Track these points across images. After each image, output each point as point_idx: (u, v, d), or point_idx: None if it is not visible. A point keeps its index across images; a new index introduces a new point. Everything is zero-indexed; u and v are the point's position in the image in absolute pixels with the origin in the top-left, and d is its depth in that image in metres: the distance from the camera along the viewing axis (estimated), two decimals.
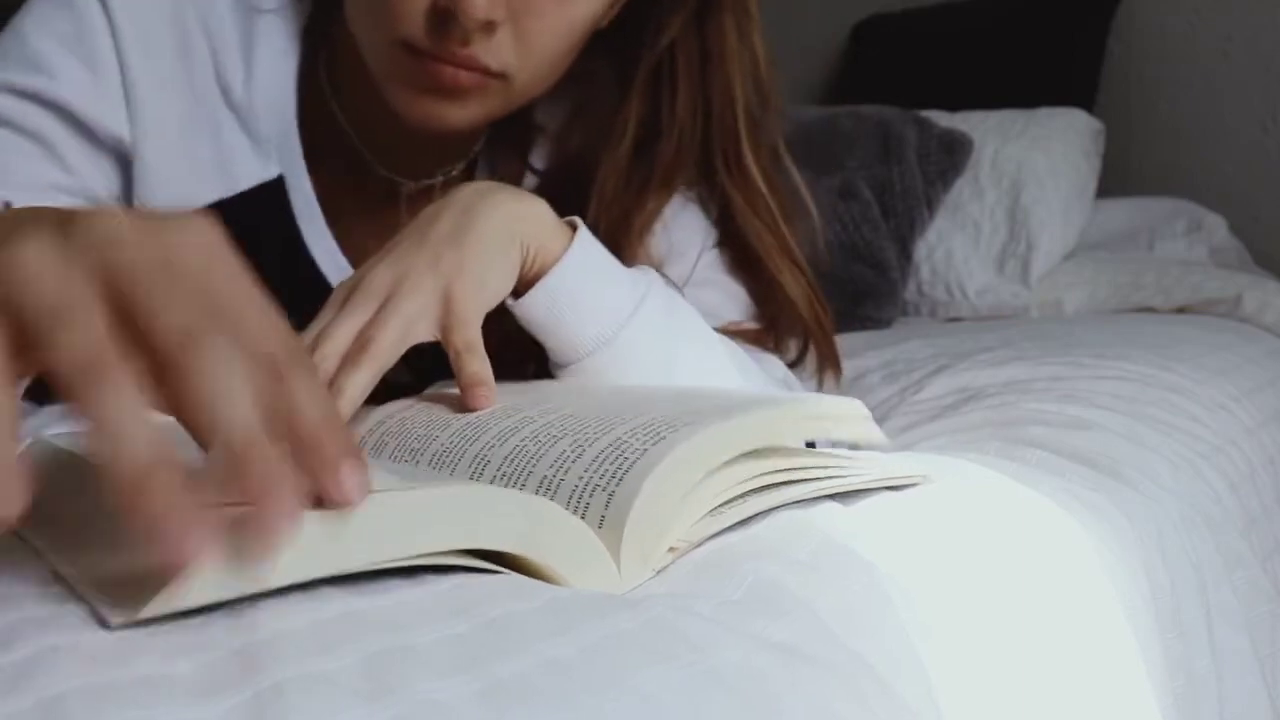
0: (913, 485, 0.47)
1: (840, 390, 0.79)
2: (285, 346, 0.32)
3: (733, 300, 0.76)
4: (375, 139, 0.75)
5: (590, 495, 0.39)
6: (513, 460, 0.42)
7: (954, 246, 1.58)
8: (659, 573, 0.38)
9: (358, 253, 0.75)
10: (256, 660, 0.27)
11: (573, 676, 0.28)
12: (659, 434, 0.40)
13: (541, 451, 0.42)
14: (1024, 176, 1.58)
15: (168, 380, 0.29)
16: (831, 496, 0.44)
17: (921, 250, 1.58)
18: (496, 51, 0.63)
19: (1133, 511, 0.61)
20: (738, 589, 0.36)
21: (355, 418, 0.53)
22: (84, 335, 0.29)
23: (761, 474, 0.43)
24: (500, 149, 0.79)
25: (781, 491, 0.43)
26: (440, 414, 0.51)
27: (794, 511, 0.42)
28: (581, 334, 0.58)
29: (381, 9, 0.62)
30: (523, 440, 0.44)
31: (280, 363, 0.31)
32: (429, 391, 0.57)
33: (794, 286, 0.74)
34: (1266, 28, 1.75)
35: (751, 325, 0.76)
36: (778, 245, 0.74)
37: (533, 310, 0.58)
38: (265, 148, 0.72)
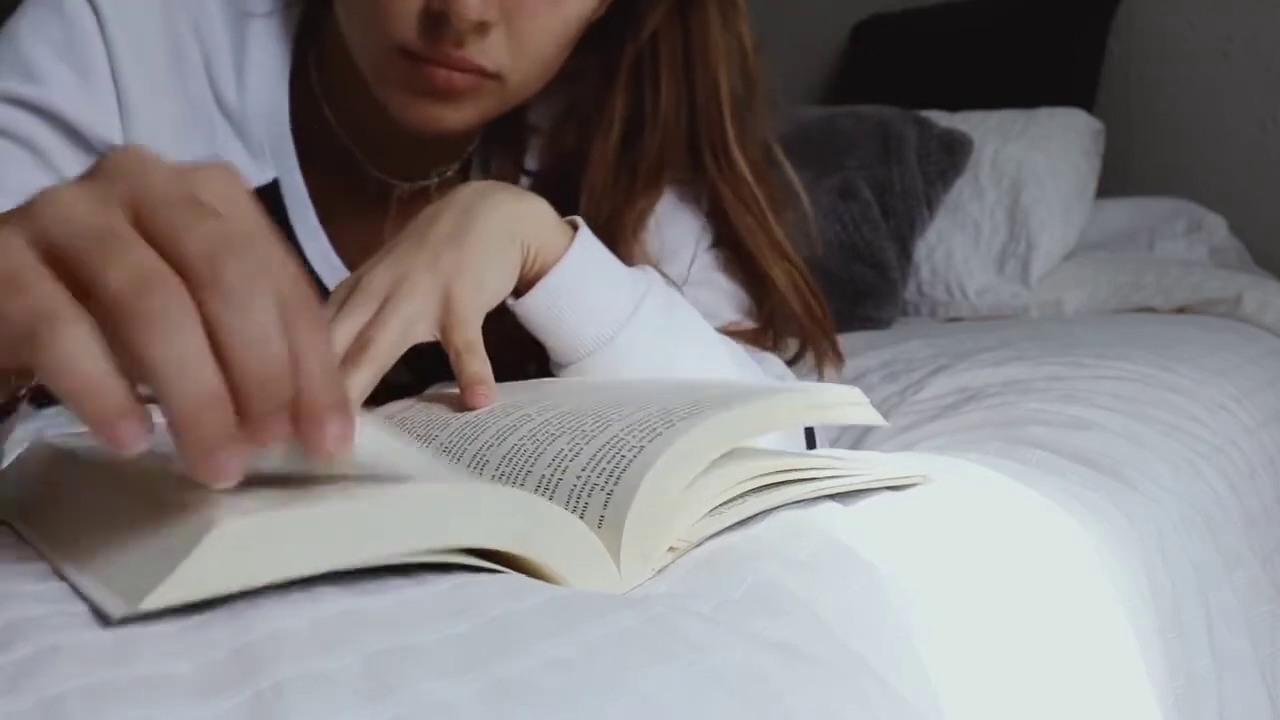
0: (913, 485, 0.47)
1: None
2: (295, 288, 0.32)
3: (729, 299, 0.76)
4: (368, 141, 0.75)
5: (589, 495, 0.39)
6: (511, 459, 0.42)
7: (954, 246, 1.58)
8: (659, 572, 0.38)
9: (352, 255, 0.74)
10: (256, 660, 0.27)
11: (573, 676, 0.28)
12: (655, 430, 0.40)
13: (540, 450, 0.42)
14: (1024, 176, 1.58)
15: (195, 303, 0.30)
16: (831, 496, 0.44)
17: (921, 250, 1.58)
18: (490, 52, 0.63)
19: (1133, 512, 0.61)
20: (738, 589, 0.36)
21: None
22: (135, 255, 0.29)
23: (761, 474, 0.43)
24: (494, 149, 0.78)
25: (781, 491, 0.43)
26: (440, 414, 0.51)
27: (794, 511, 0.42)
28: (582, 333, 0.58)
29: (374, 13, 0.62)
30: (521, 439, 0.44)
31: (289, 304, 0.31)
32: (429, 392, 0.57)
33: (783, 280, 0.74)
34: (1266, 28, 1.75)
35: (750, 324, 0.76)
36: (767, 240, 0.74)
37: (533, 310, 0.58)
38: (259, 152, 0.72)
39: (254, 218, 0.33)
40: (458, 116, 0.65)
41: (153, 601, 0.29)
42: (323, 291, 0.59)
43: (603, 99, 0.72)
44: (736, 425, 0.42)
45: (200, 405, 0.28)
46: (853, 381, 0.99)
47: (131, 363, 0.29)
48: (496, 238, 0.56)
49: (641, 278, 0.62)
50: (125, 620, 0.29)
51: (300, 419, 0.31)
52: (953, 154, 1.56)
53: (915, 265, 1.57)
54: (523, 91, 0.68)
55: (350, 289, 0.55)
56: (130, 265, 0.29)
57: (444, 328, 0.54)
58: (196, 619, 0.30)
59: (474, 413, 0.49)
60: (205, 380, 0.29)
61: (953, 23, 1.97)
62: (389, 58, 0.63)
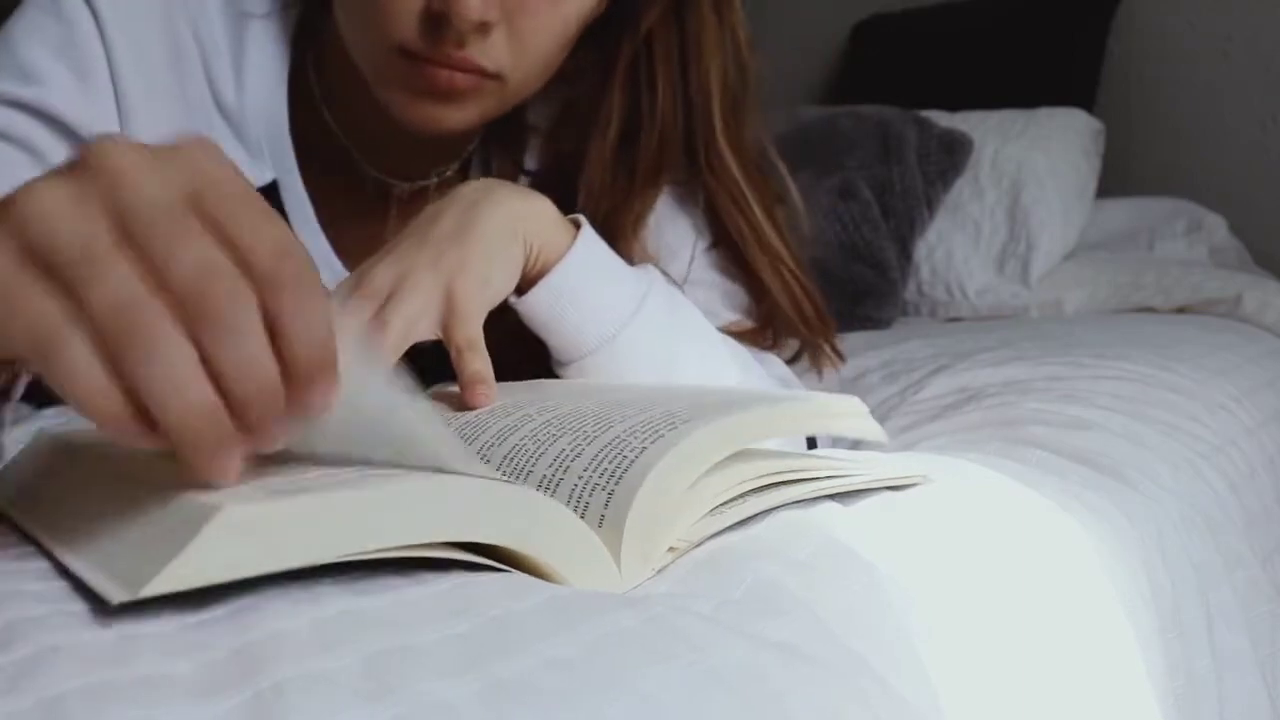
0: (913, 485, 0.47)
1: (840, 387, 0.79)
2: (283, 257, 0.32)
3: (728, 299, 0.76)
4: (367, 142, 0.75)
5: (590, 494, 0.39)
6: (512, 459, 0.42)
7: (954, 246, 1.58)
8: (659, 572, 0.38)
9: (351, 256, 0.74)
10: (256, 660, 0.27)
11: (573, 676, 0.28)
12: (658, 432, 0.40)
13: (541, 450, 0.42)
14: (1024, 176, 1.58)
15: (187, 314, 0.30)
16: (831, 496, 0.44)
17: (921, 250, 1.58)
18: (491, 52, 0.63)
19: (1133, 512, 0.61)
20: (738, 589, 0.36)
21: None
22: (117, 277, 0.30)
23: (762, 474, 0.43)
24: (493, 149, 0.78)
25: (781, 491, 0.43)
26: (440, 413, 0.51)
27: (794, 511, 0.42)
28: (584, 332, 0.58)
29: (374, 13, 0.62)
30: (522, 439, 0.44)
31: (277, 274, 0.31)
32: (429, 392, 0.57)
33: (774, 280, 0.74)
34: (1266, 28, 1.75)
35: (749, 324, 0.76)
36: (756, 240, 0.74)
37: (535, 308, 0.58)
38: (257, 153, 0.72)
39: (236, 189, 0.33)
40: (458, 116, 0.65)
41: (154, 588, 0.29)
42: None
43: (600, 98, 0.72)
44: (739, 429, 0.42)
45: (193, 418, 0.29)
46: (852, 381, 0.99)
47: (123, 377, 0.29)
48: (499, 235, 0.56)
49: (644, 276, 0.62)
50: (125, 606, 0.29)
51: (287, 379, 0.31)
52: (953, 154, 1.56)
53: (915, 265, 1.57)
54: (523, 91, 0.68)
55: (352, 287, 0.55)
56: (112, 289, 0.29)
57: (446, 325, 0.54)
58: (196, 619, 0.30)
59: (474, 412, 0.49)
60: (195, 394, 0.29)
61: (953, 23, 1.97)
62: (389, 58, 0.63)
